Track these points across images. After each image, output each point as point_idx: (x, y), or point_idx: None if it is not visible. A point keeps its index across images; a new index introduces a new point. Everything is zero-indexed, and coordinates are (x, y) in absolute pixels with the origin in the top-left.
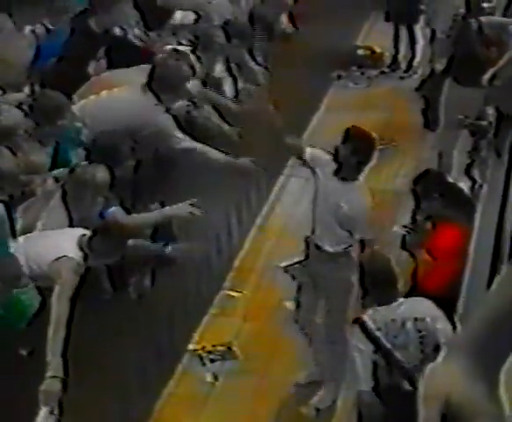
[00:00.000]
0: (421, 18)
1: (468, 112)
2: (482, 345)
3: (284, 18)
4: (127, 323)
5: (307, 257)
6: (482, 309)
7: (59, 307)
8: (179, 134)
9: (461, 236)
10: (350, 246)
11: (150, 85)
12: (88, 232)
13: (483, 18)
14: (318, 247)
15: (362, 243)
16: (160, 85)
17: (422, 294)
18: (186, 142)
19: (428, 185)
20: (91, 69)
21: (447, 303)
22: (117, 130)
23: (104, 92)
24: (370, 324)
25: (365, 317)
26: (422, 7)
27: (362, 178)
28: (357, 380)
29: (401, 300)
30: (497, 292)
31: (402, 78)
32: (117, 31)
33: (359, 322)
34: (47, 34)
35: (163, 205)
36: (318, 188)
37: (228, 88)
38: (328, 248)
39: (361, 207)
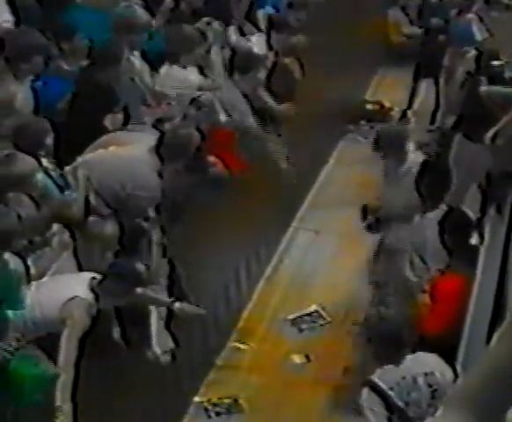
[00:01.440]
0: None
1: (478, 168)
2: (480, 402)
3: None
4: (133, 374)
5: None
6: (481, 364)
7: (68, 347)
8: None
9: (463, 284)
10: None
11: (158, 149)
12: (98, 275)
13: (493, 88)
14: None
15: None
16: (168, 152)
17: (423, 335)
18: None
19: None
20: (107, 122)
21: (447, 345)
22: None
23: (112, 148)
24: (382, 385)
25: (375, 378)
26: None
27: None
28: None
29: (408, 357)
30: (497, 347)
31: (430, 131)
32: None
33: (370, 384)
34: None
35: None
36: None
37: None
38: (412, 278)
39: (427, 241)
